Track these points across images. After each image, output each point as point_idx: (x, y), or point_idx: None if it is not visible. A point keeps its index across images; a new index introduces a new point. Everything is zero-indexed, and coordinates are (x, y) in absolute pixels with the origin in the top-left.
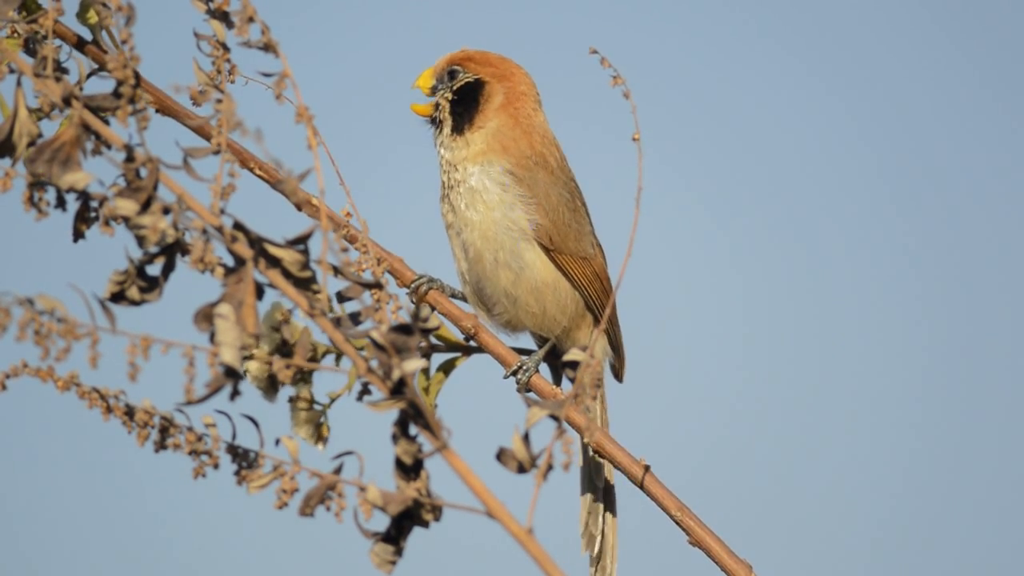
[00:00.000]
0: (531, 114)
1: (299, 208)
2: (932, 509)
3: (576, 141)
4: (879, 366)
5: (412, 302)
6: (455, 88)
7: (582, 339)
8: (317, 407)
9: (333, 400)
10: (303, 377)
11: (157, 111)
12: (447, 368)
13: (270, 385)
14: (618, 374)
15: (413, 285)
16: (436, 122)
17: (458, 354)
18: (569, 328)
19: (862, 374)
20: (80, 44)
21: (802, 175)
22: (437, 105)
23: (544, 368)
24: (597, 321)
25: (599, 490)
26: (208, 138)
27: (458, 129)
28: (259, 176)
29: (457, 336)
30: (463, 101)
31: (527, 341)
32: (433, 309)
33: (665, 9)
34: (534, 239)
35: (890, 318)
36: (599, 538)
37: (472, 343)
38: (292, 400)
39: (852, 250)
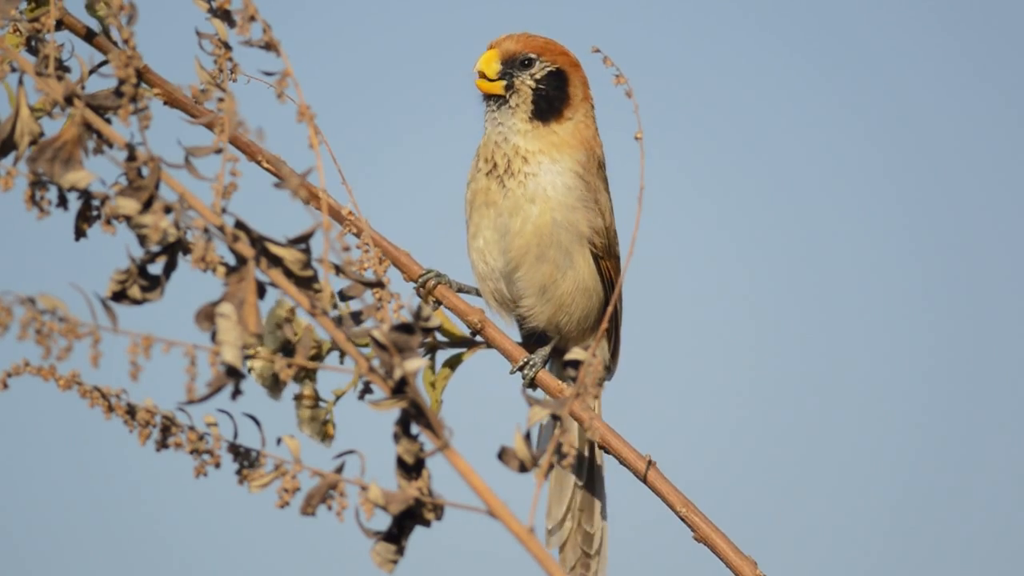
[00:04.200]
0: (592, 109)
1: (307, 202)
2: (938, 505)
3: None
4: (886, 361)
5: (419, 296)
6: (538, 76)
7: (590, 340)
8: (322, 404)
9: (338, 397)
10: (307, 374)
11: (165, 103)
12: (453, 363)
13: (274, 383)
14: (609, 369)
15: (420, 280)
16: (502, 103)
17: (464, 349)
18: (586, 331)
19: (869, 369)
20: (89, 36)
21: (806, 171)
22: (510, 87)
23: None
24: (610, 320)
25: (595, 482)
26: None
27: (541, 117)
28: (267, 169)
29: (464, 331)
30: (545, 90)
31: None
32: (440, 304)
33: (667, 7)
34: (587, 243)
35: (897, 312)
36: (598, 536)
37: (478, 338)
38: (297, 398)
39: (857, 244)
